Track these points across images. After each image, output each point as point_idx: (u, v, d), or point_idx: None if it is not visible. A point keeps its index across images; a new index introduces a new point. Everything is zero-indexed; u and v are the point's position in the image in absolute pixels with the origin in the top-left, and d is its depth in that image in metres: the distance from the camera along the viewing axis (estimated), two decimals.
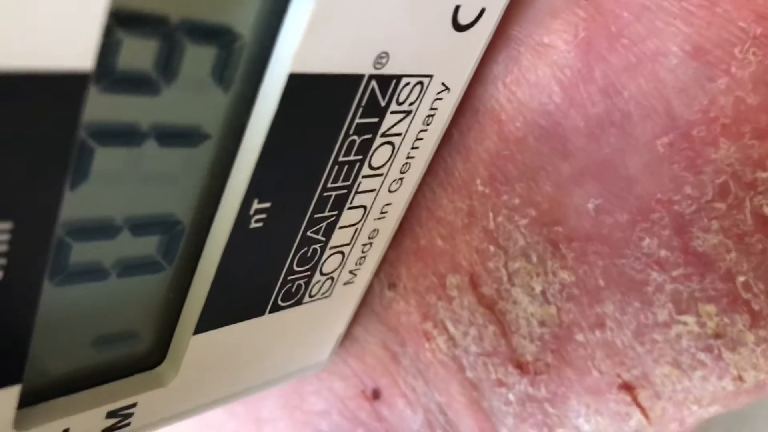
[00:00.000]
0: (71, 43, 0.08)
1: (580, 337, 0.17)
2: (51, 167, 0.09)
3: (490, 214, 0.16)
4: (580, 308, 0.16)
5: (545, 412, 0.17)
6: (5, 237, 0.09)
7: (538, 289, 0.17)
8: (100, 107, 0.10)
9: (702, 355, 0.16)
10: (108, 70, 0.09)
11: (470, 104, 0.16)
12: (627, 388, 0.17)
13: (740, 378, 0.16)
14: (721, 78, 0.14)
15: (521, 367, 0.17)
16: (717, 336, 0.16)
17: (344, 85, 0.11)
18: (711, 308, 0.16)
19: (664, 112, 0.15)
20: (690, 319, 0.16)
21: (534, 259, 0.16)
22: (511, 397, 0.18)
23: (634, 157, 0.15)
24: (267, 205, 0.12)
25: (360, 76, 0.11)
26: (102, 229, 0.11)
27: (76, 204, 0.10)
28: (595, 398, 0.17)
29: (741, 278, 0.15)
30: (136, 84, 0.10)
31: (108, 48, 0.09)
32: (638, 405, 0.17)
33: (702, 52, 0.14)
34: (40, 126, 0.09)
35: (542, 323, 0.17)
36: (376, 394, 0.19)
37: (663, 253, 0.15)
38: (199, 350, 0.14)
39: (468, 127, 0.16)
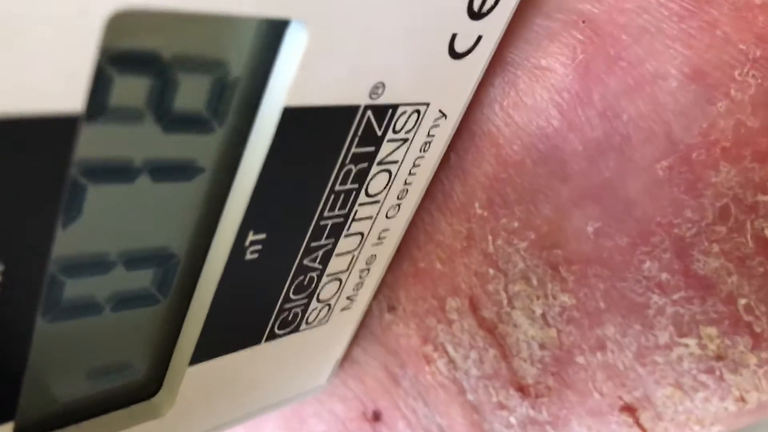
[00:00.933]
0: (61, 86, 0.08)
1: (580, 359, 0.17)
2: (42, 209, 0.09)
3: (489, 237, 0.16)
4: (581, 331, 0.16)
5: None
6: None
7: (538, 312, 0.16)
8: (92, 145, 0.10)
9: (704, 377, 0.16)
10: (100, 108, 0.09)
11: (467, 127, 0.16)
12: (629, 409, 0.17)
13: (742, 399, 0.16)
14: (720, 101, 0.14)
15: (522, 389, 0.17)
16: (718, 358, 0.16)
17: (339, 116, 0.11)
18: (712, 331, 0.15)
19: (664, 135, 0.14)
20: (691, 341, 0.16)
21: (534, 282, 0.16)
22: (512, 420, 0.17)
23: (633, 181, 0.15)
24: (262, 236, 0.12)
25: (356, 107, 0.11)
26: (95, 265, 0.11)
27: (69, 241, 0.10)
28: (597, 420, 0.17)
29: (742, 301, 0.15)
30: (129, 121, 0.10)
31: (99, 86, 0.09)
32: (640, 426, 0.17)
33: (701, 75, 0.14)
34: (30, 168, 0.08)
35: (543, 346, 0.17)
36: (376, 416, 0.19)
37: (664, 276, 0.15)
38: (195, 380, 0.14)
39: (465, 150, 0.16)
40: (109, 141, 0.10)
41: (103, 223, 0.11)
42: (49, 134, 0.08)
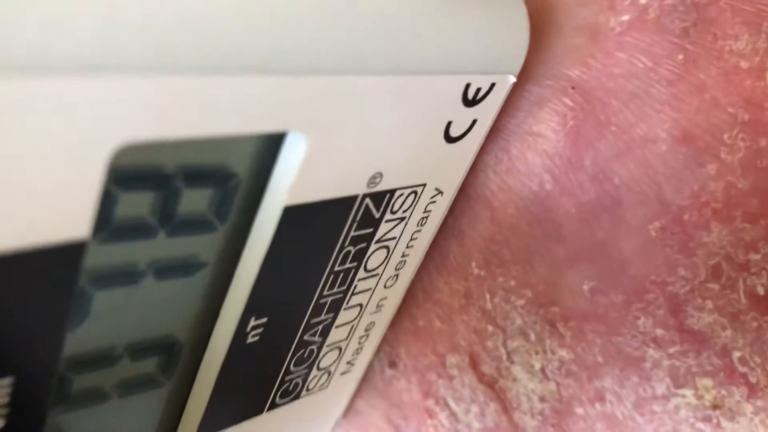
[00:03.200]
0: (69, 217, 0.08)
1: (580, 410, 0.17)
2: (51, 324, 0.09)
3: (487, 296, 0.17)
4: (580, 383, 0.17)
5: None
6: (6, 390, 0.09)
7: (537, 366, 0.17)
8: (98, 256, 0.10)
9: (701, 425, 0.16)
10: (105, 223, 0.09)
11: (462, 191, 0.16)
12: None
13: None
14: (710, 163, 0.14)
15: None
16: (715, 407, 0.16)
17: (339, 206, 0.11)
18: (708, 382, 0.16)
19: (655, 197, 0.15)
20: (688, 392, 0.16)
21: (532, 337, 0.16)
22: None
23: (627, 241, 0.15)
24: (263, 320, 0.12)
25: (354, 197, 0.12)
26: (102, 360, 0.11)
27: (76, 342, 0.11)
28: None
29: (737, 353, 0.15)
30: (134, 231, 0.10)
31: (104, 205, 0.09)
32: None
33: (691, 138, 0.14)
34: (39, 291, 0.09)
35: (542, 399, 0.17)
36: None
37: (659, 331, 0.15)
38: None
39: (461, 212, 0.16)
40: (115, 251, 0.10)
41: (109, 322, 0.11)
42: (57, 259, 0.08)
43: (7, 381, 0.09)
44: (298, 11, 0.09)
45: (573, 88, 0.15)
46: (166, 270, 0.11)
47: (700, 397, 0.16)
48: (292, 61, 0.09)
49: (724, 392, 0.16)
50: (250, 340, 0.12)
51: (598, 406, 0.17)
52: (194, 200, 0.10)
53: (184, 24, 0.08)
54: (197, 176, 0.10)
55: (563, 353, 0.16)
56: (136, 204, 0.10)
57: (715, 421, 0.16)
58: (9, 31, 0.07)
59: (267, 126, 0.09)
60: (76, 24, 0.07)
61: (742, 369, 0.15)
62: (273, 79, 0.09)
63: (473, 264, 0.16)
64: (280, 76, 0.09)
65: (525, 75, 0.15)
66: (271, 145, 0.10)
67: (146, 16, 0.07)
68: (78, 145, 0.08)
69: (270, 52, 0.09)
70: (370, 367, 0.18)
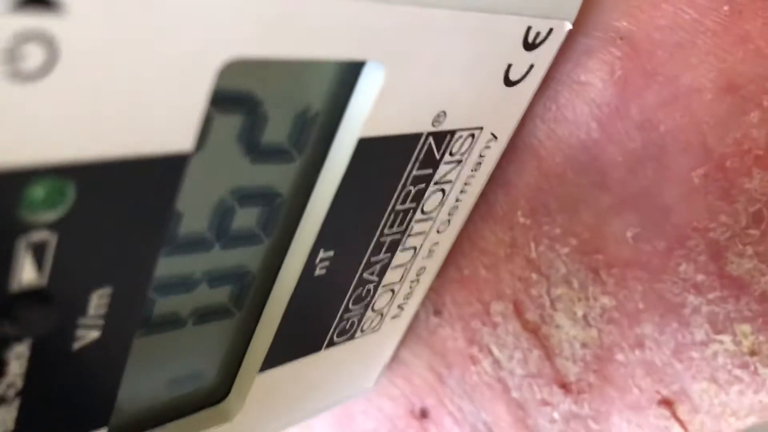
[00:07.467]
0: (177, 128, 0.09)
1: (620, 357, 0.17)
2: (150, 238, 0.10)
3: (532, 244, 0.17)
4: (621, 330, 0.17)
5: (588, 429, 0.18)
6: (105, 300, 0.10)
7: (579, 313, 0.17)
8: (194, 173, 0.10)
9: (738, 371, 0.17)
10: (200, 145, 0.10)
11: (510, 140, 0.16)
12: (666, 403, 0.17)
13: None
14: (753, 111, 0.15)
15: (565, 387, 0.18)
16: (753, 353, 0.16)
17: (405, 143, 0.12)
18: (746, 328, 0.16)
19: (699, 145, 0.15)
20: (726, 338, 0.16)
21: (575, 285, 0.17)
22: (555, 415, 0.18)
23: (670, 188, 0.16)
24: (331, 253, 0.13)
25: (419, 134, 0.12)
26: (183, 284, 0.12)
27: (164, 266, 0.11)
28: (636, 414, 0.18)
29: None
30: (223, 155, 0.10)
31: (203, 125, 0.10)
32: (677, 419, 0.17)
33: (735, 87, 0.15)
34: (142, 202, 0.09)
35: (584, 345, 0.18)
36: (423, 413, 0.20)
37: (699, 277, 0.16)
38: (262, 386, 0.15)
39: (508, 161, 0.17)
40: (204, 173, 0.11)
41: (193, 250, 0.12)
42: (163, 169, 0.09)
43: (107, 290, 0.10)
44: None
45: (621, 39, 0.15)
46: (247, 198, 0.11)
47: (738, 343, 0.16)
48: None
49: (762, 338, 0.16)
50: (317, 272, 0.13)
51: (638, 352, 0.17)
52: (277, 130, 0.11)
53: None
54: (282, 105, 0.11)
55: (605, 300, 0.17)
56: (227, 128, 0.10)
57: (752, 367, 0.16)
58: None
59: (350, 53, 0.10)
60: None
61: None
62: (357, 4, 0.09)
63: (519, 213, 0.17)
64: (364, 2, 0.09)
65: (575, 26, 0.15)
66: (349, 77, 0.11)
67: None
68: (190, 58, 0.08)
69: None
70: (415, 317, 0.19)
